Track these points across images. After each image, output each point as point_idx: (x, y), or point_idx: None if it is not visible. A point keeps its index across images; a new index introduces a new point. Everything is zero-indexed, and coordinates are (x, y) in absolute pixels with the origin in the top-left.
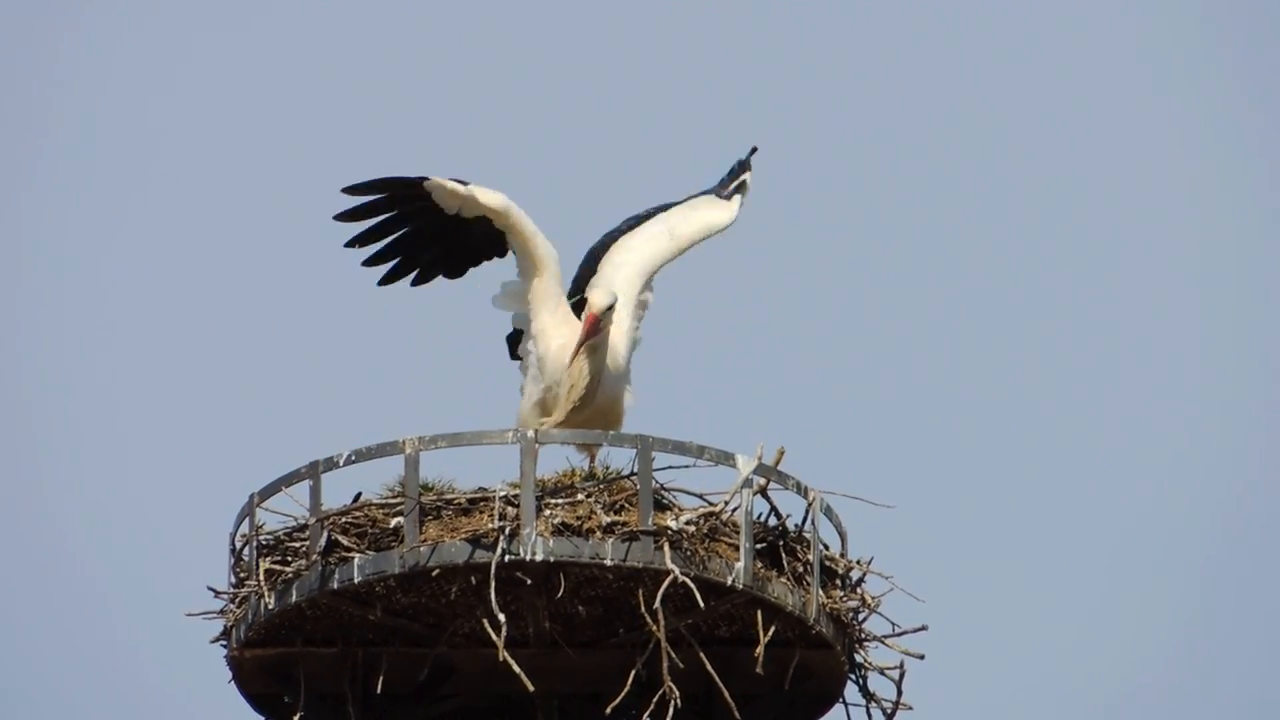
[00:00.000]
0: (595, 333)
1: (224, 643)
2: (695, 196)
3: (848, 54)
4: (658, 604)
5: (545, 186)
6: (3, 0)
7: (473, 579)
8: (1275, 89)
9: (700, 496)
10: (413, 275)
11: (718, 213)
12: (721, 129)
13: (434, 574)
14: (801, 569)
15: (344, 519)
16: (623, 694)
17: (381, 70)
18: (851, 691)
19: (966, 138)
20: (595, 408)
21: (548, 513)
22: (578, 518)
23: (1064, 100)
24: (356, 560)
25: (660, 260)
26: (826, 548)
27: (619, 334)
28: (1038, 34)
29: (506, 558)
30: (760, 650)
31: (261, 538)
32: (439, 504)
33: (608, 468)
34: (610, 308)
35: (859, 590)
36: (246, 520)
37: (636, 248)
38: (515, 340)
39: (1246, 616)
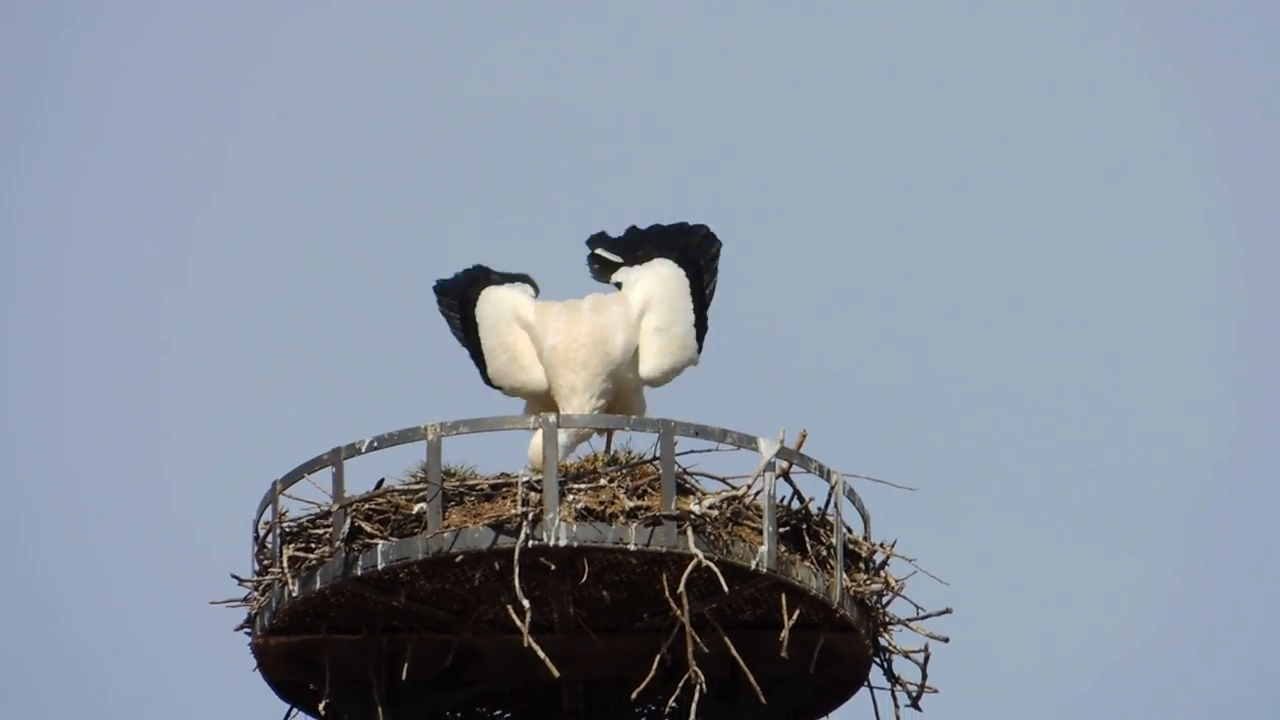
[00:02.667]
0: None
1: (248, 630)
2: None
3: (897, 36)
4: (681, 588)
5: (545, 187)
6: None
7: (496, 565)
8: (1274, 89)
9: (723, 480)
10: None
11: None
12: (747, 122)
13: (457, 560)
14: (825, 552)
15: (367, 505)
16: (648, 679)
17: (399, 68)
18: (876, 675)
19: (984, 120)
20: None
21: (571, 498)
22: (601, 503)
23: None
24: (380, 547)
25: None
26: (850, 531)
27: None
28: (1037, 33)
29: (530, 543)
30: (785, 634)
31: (285, 525)
32: (462, 490)
33: (630, 452)
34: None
35: (883, 573)
36: (270, 507)
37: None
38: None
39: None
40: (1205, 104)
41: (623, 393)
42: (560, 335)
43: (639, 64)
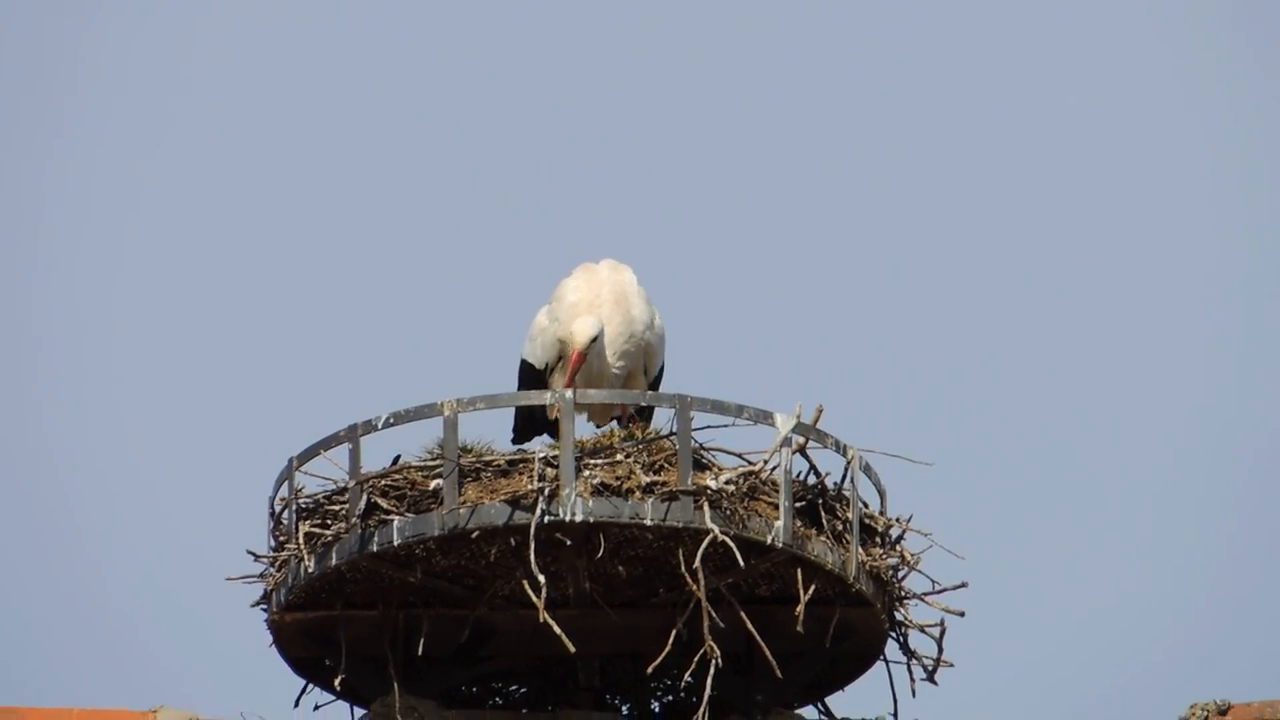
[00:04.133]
0: (582, 364)
1: (264, 606)
2: None
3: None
4: (698, 563)
5: (544, 187)
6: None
7: (512, 540)
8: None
9: (739, 455)
10: None
11: None
12: (756, 110)
13: (473, 536)
14: (841, 527)
15: (383, 482)
16: (664, 654)
17: (394, 49)
18: (892, 649)
19: (1009, 98)
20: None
21: (587, 473)
22: (617, 478)
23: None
24: (396, 523)
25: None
26: (865, 505)
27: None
28: (1038, 31)
29: (546, 519)
30: (800, 609)
31: (301, 501)
32: (478, 466)
33: (646, 427)
34: (595, 339)
35: (898, 548)
36: (286, 484)
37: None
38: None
39: None
40: (1204, 104)
41: (639, 357)
42: (581, 292)
43: (643, 57)
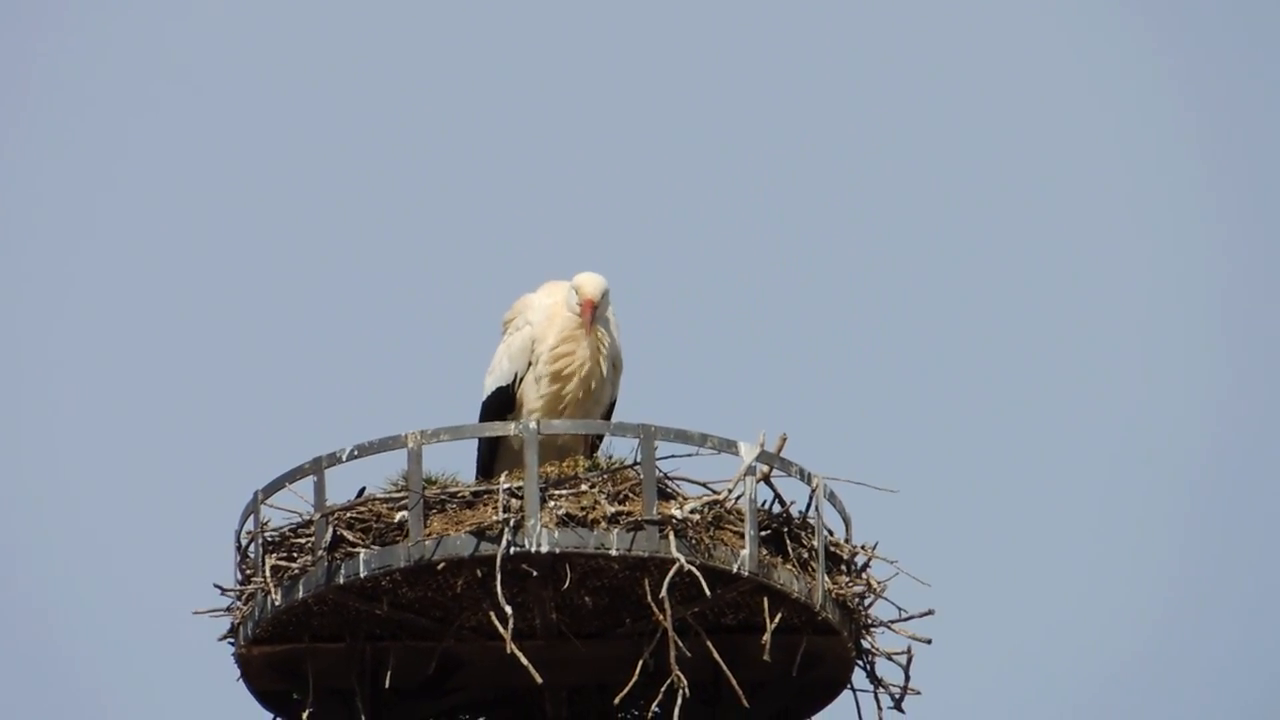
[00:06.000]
0: (594, 318)
1: (231, 640)
2: None
3: (864, 35)
4: (664, 593)
5: (543, 189)
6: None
7: (479, 572)
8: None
9: (704, 485)
10: None
11: None
12: (728, 123)
13: (439, 567)
14: (806, 555)
15: (348, 514)
16: (630, 684)
17: (388, 64)
18: (859, 677)
19: (969, 131)
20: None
21: (552, 504)
22: (582, 508)
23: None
24: (362, 555)
25: None
26: (831, 534)
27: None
28: (1025, 35)
29: (512, 550)
30: (767, 637)
31: (266, 534)
32: (443, 497)
33: (610, 457)
34: (605, 291)
35: (864, 575)
36: (251, 517)
37: None
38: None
39: (1267, 593)
40: (1202, 103)
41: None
42: (555, 294)
43: (635, 61)
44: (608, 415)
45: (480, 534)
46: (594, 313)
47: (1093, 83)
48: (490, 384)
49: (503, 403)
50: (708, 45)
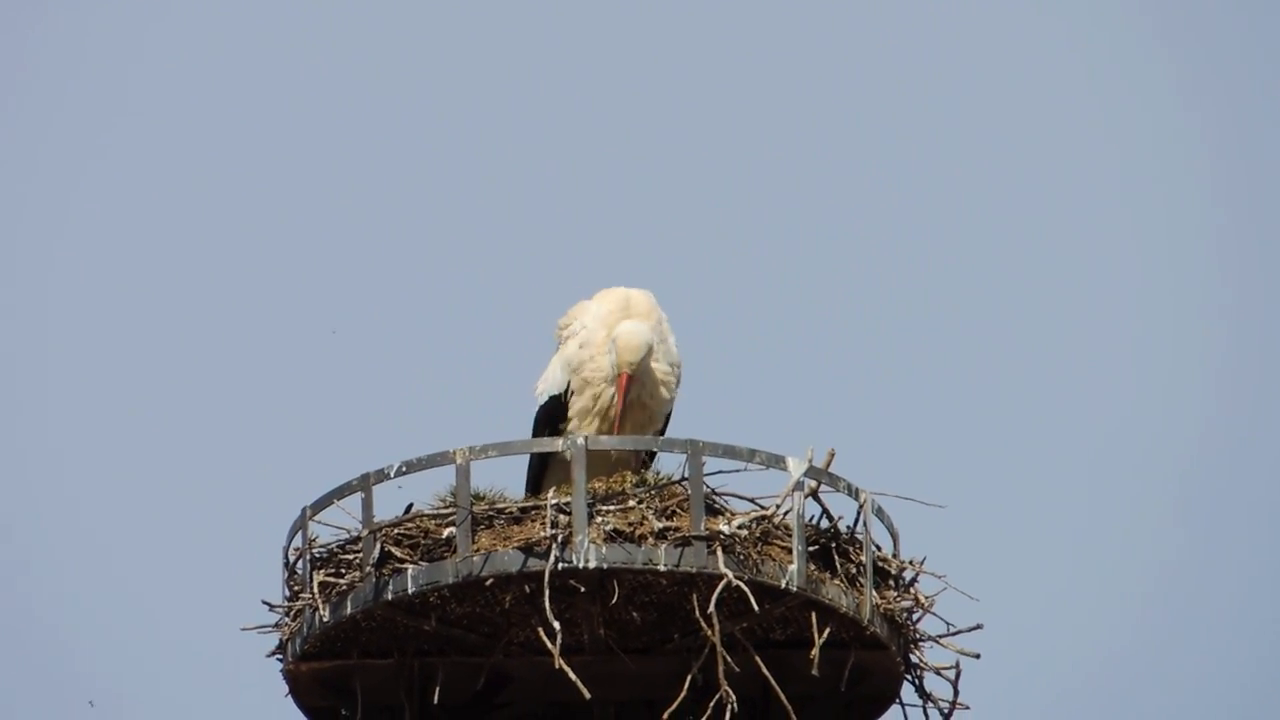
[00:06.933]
0: (632, 386)
1: (280, 656)
2: None
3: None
4: (712, 608)
5: (593, 202)
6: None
7: (526, 587)
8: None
9: (752, 500)
10: None
11: None
12: (753, 127)
13: (488, 583)
14: (854, 570)
15: (396, 530)
16: (679, 699)
17: (398, 80)
18: (908, 692)
19: (1020, 134)
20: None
21: (600, 519)
22: (630, 524)
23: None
24: (410, 571)
25: None
26: (879, 548)
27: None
28: (1024, 35)
29: (560, 565)
30: (815, 652)
31: (315, 551)
32: (491, 513)
33: (659, 473)
34: (649, 348)
35: (912, 590)
36: (299, 534)
37: None
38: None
39: None
40: (1201, 104)
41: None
42: (609, 302)
43: (646, 65)
44: (663, 430)
45: (528, 550)
46: (630, 385)
47: (1092, 83)
48: (543, 391)
49: (556, 411)
50: (777, 63)
